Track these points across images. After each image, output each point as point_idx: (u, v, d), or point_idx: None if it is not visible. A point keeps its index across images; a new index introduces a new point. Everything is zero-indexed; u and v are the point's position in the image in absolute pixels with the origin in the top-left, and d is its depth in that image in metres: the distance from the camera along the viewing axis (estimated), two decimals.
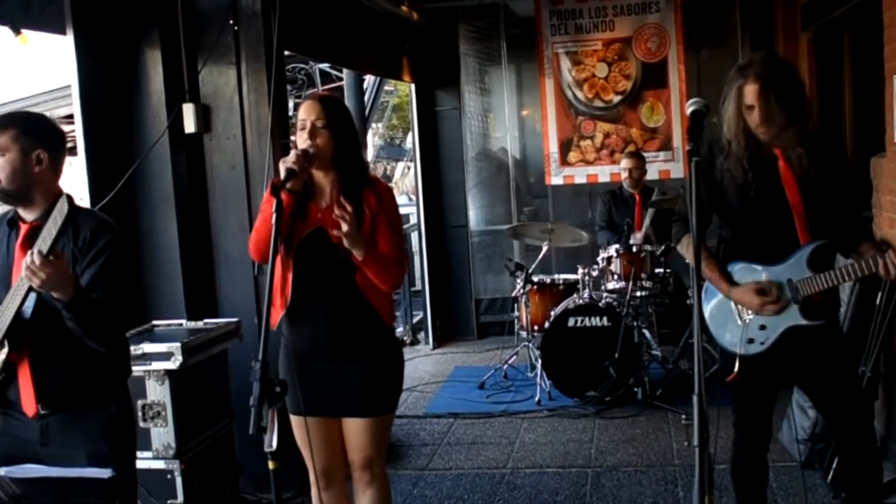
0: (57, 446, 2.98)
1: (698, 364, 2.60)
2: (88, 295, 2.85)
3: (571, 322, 6.51)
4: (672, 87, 8.31)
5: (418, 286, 9.41)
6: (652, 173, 7.90)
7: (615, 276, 6.69)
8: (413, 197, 11.39)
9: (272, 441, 2.67)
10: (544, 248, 7.21)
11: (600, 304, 6.52)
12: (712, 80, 8.08)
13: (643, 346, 6.63)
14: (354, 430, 3.42)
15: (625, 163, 7.35)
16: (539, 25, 8.46)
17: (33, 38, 4.55)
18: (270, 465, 2.73)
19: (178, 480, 4.18)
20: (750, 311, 3.37)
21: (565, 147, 8.58)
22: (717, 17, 8.65)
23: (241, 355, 4.71)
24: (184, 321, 4.78)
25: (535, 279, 7.07)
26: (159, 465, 4.18)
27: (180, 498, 4.20)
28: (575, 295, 6.80)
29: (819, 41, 7.42)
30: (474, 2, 8.73)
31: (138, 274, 4.86)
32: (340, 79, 10.69)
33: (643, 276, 6.58)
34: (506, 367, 7.33)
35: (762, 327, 3.36)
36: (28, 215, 3.03)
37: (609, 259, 6.74)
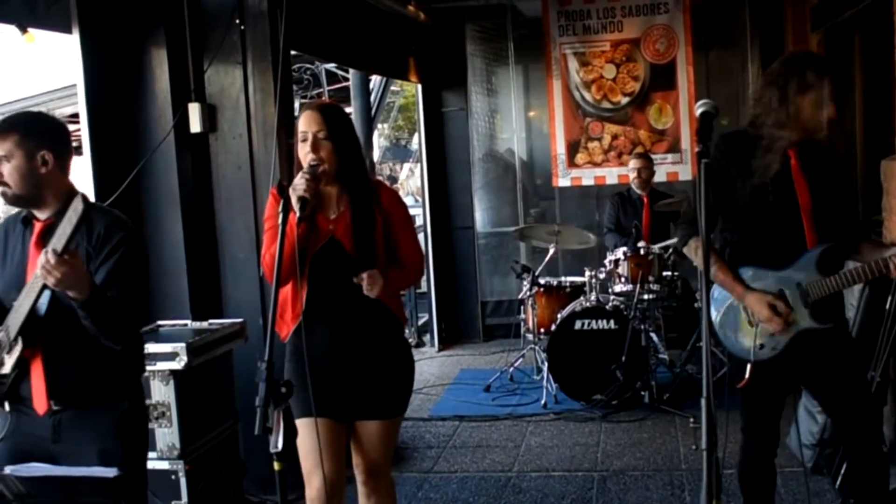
0: (69, 443, 2.98)
1: (707, 367, 2.56)
2: (103, 294, 2.85)
3: (578, 325, 6.48)
4: (680, 89, 8.27)
5: (424, 288, 9.38)
6: (660, 175, 7.87)
7: (622, 279, 6.66)
8: (419, 198, 11.36)
9: (278, 442, 2.64)
10: (551, 251, 7.18)
11: (607, 307, 6.49)
12: (721, 82, 8.07)
13: (650, 349, 6.60)
14: (368, 433, 3.38)
15: (633, 163, 7.32)
16: (547, 26, 8.43)
17: (39, 37, 4.54)
18: (276, 465, 2.70)
19: (183, 481, 4.17)
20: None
21: (573, 149, 8.55)
22: (726, 18, 8.59)
23: (245, 356, 4.73)
24: (188, 321, 4.76)
25: (542, 281, 7.04)
26: (164, 465, 4.16)
27: (184, 499, 4.19)
28: (582, 297, 6.77)
29: (829, 43, 7.37)
30: (481, 2, 8.71)
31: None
32: (346, 79, 10.68)
33: (651, 279, 6.55)
34: (512, 369, 7.30)
35: (773, 332, 3.32)
36: (41, 214, 3.03)
37: (616, 262, 6.70)
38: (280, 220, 2.92)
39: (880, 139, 6.35)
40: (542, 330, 6.91)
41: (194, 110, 5.04)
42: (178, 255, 5.00)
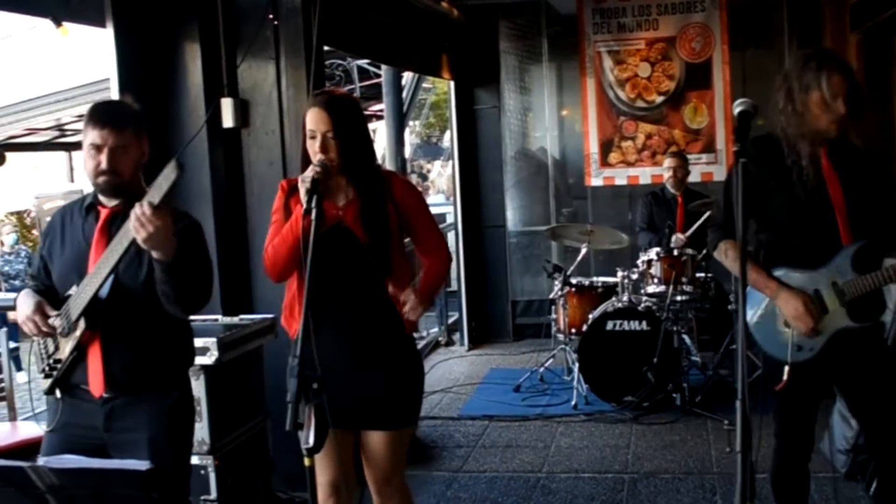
0: (120, 432, 3.04)
1: (742, 369, 2.56)
2: (185, 257, 2.90)
3: (610, 325, 6.43)
4: (716, 88, 8.17)
5: (454, 286, 9.35)
6: (694, 175, 7.78)
7: (655, 280, 6.60)
8: (450, 196, 11.33)
9: (309, 438, 2.61)
10: (583, 250, 7.13)
11: (639, 308, 6.43)
12: (758, 82, 7.95)
13: (682, 351, 6.53)
14: (375, 443, 3.30)
15: (668, 162, 7.26)
16: (581, 24, 8.37)
17: (73, 31, 4.56)
18: (306, 462, 2.68)
19: (212, 476, 4.15)
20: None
21: (606, 148, 8.48)
22: (763, 17, 8.49)
23: (275, 352, 4.70)
24: (219, 316, 4.75)
25: (574, 281, 7.00)
26: (193, 460, 4.08)
27: (213, 494, 4.17)
28: (614, 298, 6.72)
29: (868, 43, 7.28)
30: None
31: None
32: (378, 75, 10.66)
33: (684, 280, 6.49)
34: (542, 369, 7.26)
35: (802, 333, 3.27)
36: (112, 201, 3.07)
37: (649, 262, 6.65)
38: (314, 216, 2.90)
39: None
40: (573, 330, 6.87)
41: (227, 105, 5.03)
42: (209, 249, 4.97)
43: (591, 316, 6.62)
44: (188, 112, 4.96)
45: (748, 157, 3.23)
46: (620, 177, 8.49)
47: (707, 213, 6.46)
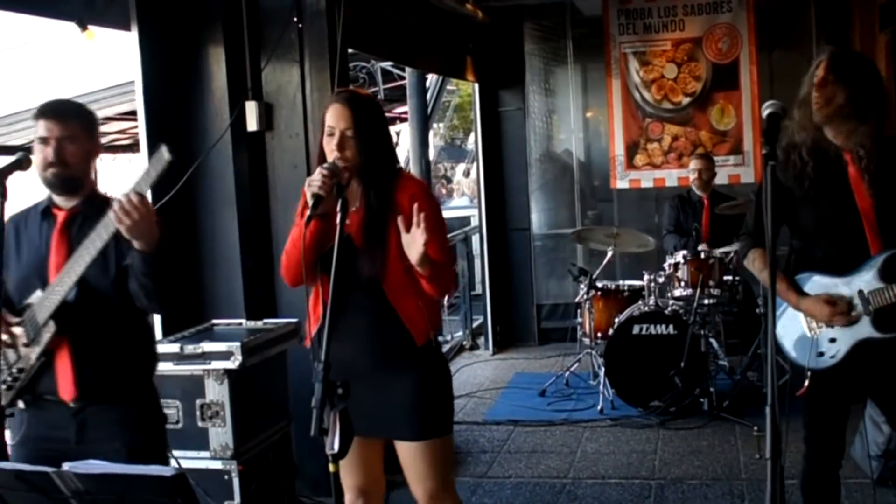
0: (94, 441, 2.99)
1: (772, 374, 2.53)
2: (165, 249, 2.86)
3: (636, 329, 6.37)
4: (743, 89, 8.09)
5: (479, 290, 9.32)
6: (721, 178, 7.69)
7: (682, 283, 6.53)
8: (475, 199, 11.30)
9: (334, 443, 2.58)
10: (609, 254, 7.08)
11: (666, 312, 6.37)
12: (785, 83, 7.87)
13: (710, 355, 6.45)
14: (409, 456, 3.20)
15: (694, 164, 7.19)
16: (606, 25, 8.31)
17: (98, 34, 4.56)
18: (331, 467, 2.63)
19: (236, 481, 4.14)
20: (820, 324, 3.24)
21: (631, 150, 8.40)
22: (790, 17, 8.41)
23: (299, 357, 4.69)
24: (243, 321, 4.75)
25: (600, 285, 6.94)
26: (216, 465, 4.14)
27: (237, 499, 4.16)
28: (640, 302, 6.65)
29: None
30: (540, 0, 8.62)
31: (195, 268, 4.95)
32: (402, 77, 10.67)
33: (711, 283, 6.42)
34: (567, 374, 7.21)
35: (832, 340, 3.23)
36: (67, 203, 3.05)
37: (676, 265, 6.58)
38: (339, 220, 2.80)
39: None
40: (599, 334, 6.81)
41: (251, 108, 5.03)
42: (233, 253, 4.99)
43: (617, 320, 6.55)
44: (212, 115, 4.96)
45: (777, 160, 3.20)
46: (646, 179, 8.42)
47: (736, 245, 6.40)
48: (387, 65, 11.09)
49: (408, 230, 2.95)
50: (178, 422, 4.13)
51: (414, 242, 2.93)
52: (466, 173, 20.58)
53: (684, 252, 6.57)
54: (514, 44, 8.96)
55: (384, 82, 11.62)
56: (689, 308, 6.34)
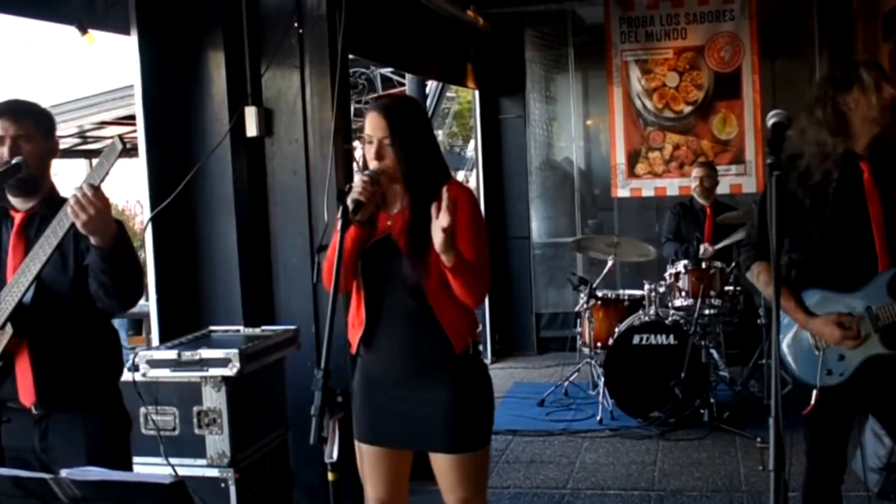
0: (56, 448, 2.95)
1: (775, 386, 2.51)
2: (124, 241, 2.82)
3: (636, 339, 6.34)
4: (746, 98, 8.06)
5: None
6: (723, 187, 7.66)
7: (683, 293, 6.50)
8: None
9: (333, 452, 2.57)
10: (609, 263, 7.05)
11: (667, 322, 6.34)
12: (788, 92, 7.88)
13: (710, 366, 6.43)
14: (444, 468, 3.13)
15: (696, 172, 7.17)
16: (608, 33, 8.29)
17: (97, 39, 4.56)
18: (330, 476, 2.63)
19: (232, 489, 4.09)
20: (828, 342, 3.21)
21: (633, 158, 8.38)
22: (793, 26, 8.40)
23: (297, 364, 4.66)
24: (241, 327, 4.72)
25: (600, 294, 6.91)
26: (213, 473, 4.09)
27: None
28: (640, 311, 6.63)
29: None
30: (541, 7, 8.61)
31: (193, 274, 4.91)
32: (402, 84, 10.64)
33: (712, 293, 6.40)
34: (567, 384, 7.17)
35: (841, 357, 3.20)
36: (24, 204, 2.99)
37: (677, 275, 6.56)
38: (339, 227, 2.81)
39: None
40: (599, 344, 6.78)
41: (251, 114, 5.00)
42: (231, 259, 4.96)
43: (617, 329, 6.53)
44: (212, 120, 4.93)
45: (782, 170, 3.17)
46: (647, 188, 8.39)
47: (737, 235, 6.37)
48: (386, 71, 11.06)
49: (437, 216, 2.90)
50: (174, 429, 4.09)
51: (438, 225, 2.88)
52: (465, 181, 20.58)
53: (685, 262, 6.54)
54: (515, 51, 8.95)
55: (384, 88, 11.57)
56: (690, 318, 6.31)
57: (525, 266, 9.10)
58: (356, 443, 3.20)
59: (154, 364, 4.08)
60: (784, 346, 3.31)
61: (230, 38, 4.94)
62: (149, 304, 4.91)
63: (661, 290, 6.66)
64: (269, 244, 5.16)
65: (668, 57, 8.22)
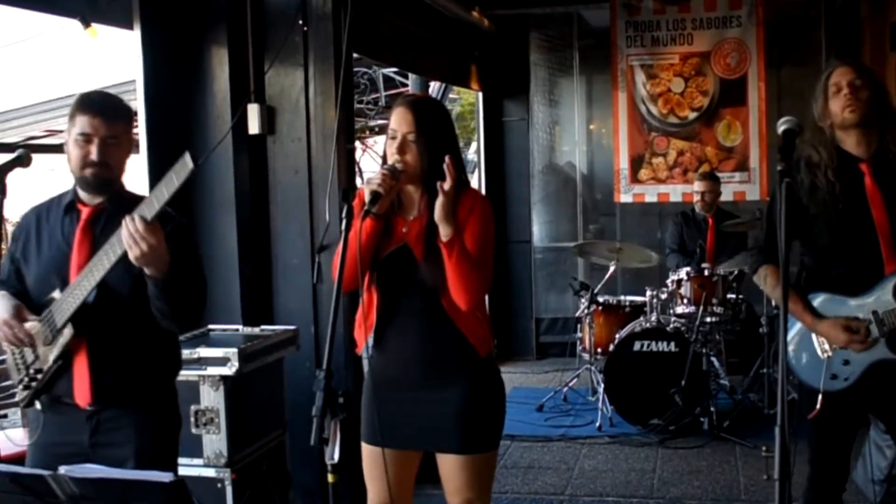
0: (105, 446, 2.92)
1: (782, 394, 2.52)
2: (179, 273, 2.77)
3: (637, 346, 6.30)
4: (751, 106, 8.01)
5: None
6: (727, 194, 7.62)
7: (685, 301, 6.46)
8: None
9: (334, 453, 2.53)
10: (611, 268, 7.01)
11: (668, 329, 6.31)
12: (794, 99, 7.83)
13: (711, 374, 6.40)
14: (451, 468, 3.10)
15: (697, 185, 7.11)
16: (614, 37, 8.24)
17: (100, 33, 4.52)
18: (330, 478, 2.59)
19: (229, 490, 4.07)
20: (833, 345, 3.20)
21: (636, 164, 8.33)
22: (800, 34, 8.38)
23: (296, 365, 4.63)
24: (240, 327, 4.69)
25: (601, 300, 6.88)
26: (210, 472, 4.08)
27: None
28: (642, 318, 6.60)
29: None
30: (547, 10, 8.60)
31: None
32: (404, 84, 10.60)
33: (714, 301, 6.35)
34: (566, 389, 7.13)
35: (846, 362, 3.19)
36: (93, 199, 2.95)
37: (679, 282, 6.51)
38: (343, 227, 2.77)
39: None
40: (599, 350, 6.75)
41: (253, 112, 4.96)
42: (230, 258, 4.92)
43: (617, 336, 6.51)
44: (213, 117, 4.90)
45: (793, 177, 3.16)
46: (650, 194, 8.34)
47: (739, 258, 6.36)
48: (389, 71, 11.03)
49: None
50: None
51: (441, 189, 2.87)
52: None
53: (687, 269, 6.50)
54: (520, 53, 8.91)
55: (386, 89, 11.54)
56: (692, 326, 6.28)
57: (526, 270, 9.06)
58: (362, 444, 3.16)
59: None
60: (789, 351, 3.29)
61: (234, 34, 4.91)
62: None
63: (663, 296, 6.63)
64: (269, 244, 5.13)
65: (674, 62, 8.17)
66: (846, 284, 3.19)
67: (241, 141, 4.94)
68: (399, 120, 2.98)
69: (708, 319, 6.37)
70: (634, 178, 8.34)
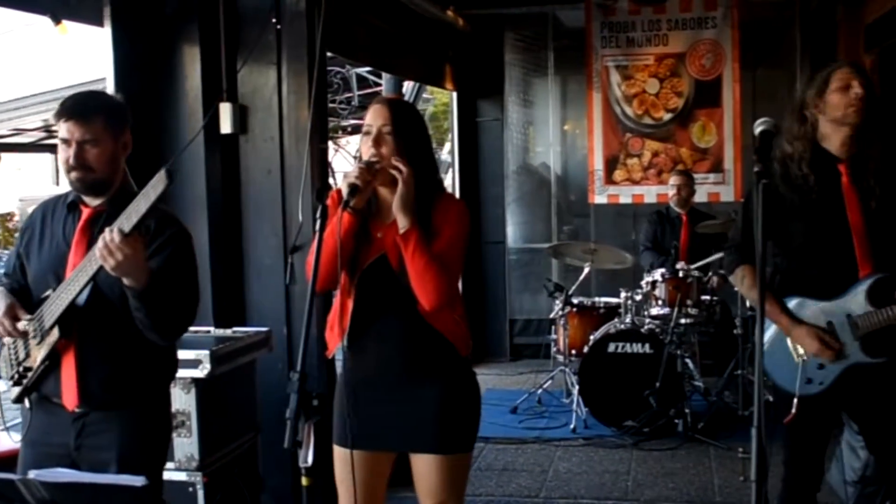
0: (91, 449, 2.90)
1: (758, 396, 2.54)
2: (160, 285, 2.75)
3: (611, 348, 6.29)
4: (726, 107, 8.02)
5: None
6: (701, 195, 7.63)
7: (659, 302, 6.47)
8: None
9: (308, 456, 2.50)
10: (585, 270, 7.00)
11: (642, 330, 6.31)
12: (769, 101, 7.89)
13: (685, 376, 6.41)
14: (425, 469, 3.07)
15: (674, 179, 7.14)
16: (589, 37, 8.22)
17: (70, 31, 4.47)
18: (304, 481, 2.56)
19: (200, 493, 4.04)
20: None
21: (611, 165, 8.32)
22: (775, 35, 8.42)
23: (268, 367, 4.58)
24: (212, 328, 4.64)
25: (575, 301, 6.87)
26: (181, 476, 4.03)
27: None
28: (616, 319, 6.59)
29: (883, 64, 7.17)
30: (522, 10, 8.58)
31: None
32: (377, 84, 10.57)
33: (689, 302, 6.37)
34: (540, 391, 7.10)
35: (821, 366, 3.19)
36: (95, 200, 2.92)
37: (654, 284, 6.52)
38: (318, 226, 2.75)
39: None
40: (574, 351, 6.74)
41: (225, 110, 4.91)
42: (202, 259, 4.81)
43: (592, 337, 6.50)
44: (185, 116, 4.84)
45: (770, 177, 3.16)
46: (625, 195, 8.33)
47: (715, 256, 6.37)
48: (362, 70, 10.99)
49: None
50: None
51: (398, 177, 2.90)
52: None
53: (662, 270, 6.50)
54: (494, 53, 8.89)
55: (359, 88, 11.50)
56: (666, 327, 6.29)
57: (500, 271, 9.04)
58: (334, 446, 3.12)
59: None
60: (763, 352, 3.28)
61: (206, 32, 4.86)
62: None
63: (638, 298, 6.63)
64: (241, 244, 5.08)
65: (649, 63, 8.16)
66: (820, 287, 3.19)
67: (214, 140, 4.89)
68: (375, 115, 2.98)
69: (683, 321, 6.37)
70: (609, 179, 8.32)
